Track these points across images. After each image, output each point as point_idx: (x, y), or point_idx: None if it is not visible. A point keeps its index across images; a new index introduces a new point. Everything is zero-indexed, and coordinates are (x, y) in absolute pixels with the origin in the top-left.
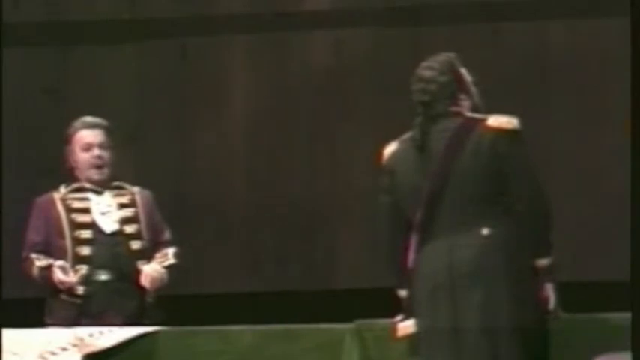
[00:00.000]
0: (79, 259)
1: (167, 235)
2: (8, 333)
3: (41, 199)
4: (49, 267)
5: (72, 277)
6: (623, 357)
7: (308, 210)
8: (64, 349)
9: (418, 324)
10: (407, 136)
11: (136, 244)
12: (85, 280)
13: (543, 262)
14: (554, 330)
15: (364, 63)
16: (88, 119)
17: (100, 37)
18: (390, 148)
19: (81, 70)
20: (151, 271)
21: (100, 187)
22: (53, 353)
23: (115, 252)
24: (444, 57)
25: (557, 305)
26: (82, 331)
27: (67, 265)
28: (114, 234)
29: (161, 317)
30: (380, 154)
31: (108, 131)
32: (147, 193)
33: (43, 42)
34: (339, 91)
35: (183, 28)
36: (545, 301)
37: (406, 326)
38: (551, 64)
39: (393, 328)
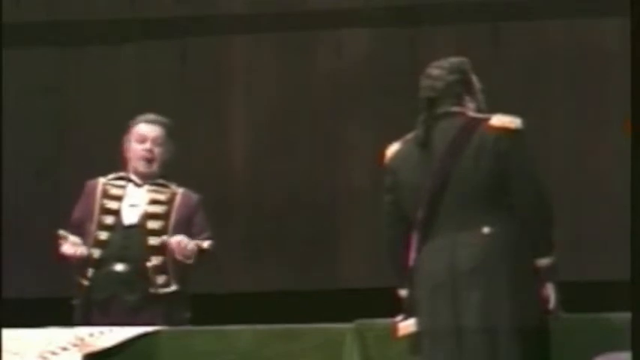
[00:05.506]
0: (96, 243)
1: (206, 236)
2: (8, 333)
3: (90, 182)
4: (63, 237)
5: (75, 250)
6: (623, 357)
7: (308, 210)
8: (64, 349)
9: (419, 323)
10: (409, 136)
11: (154, 240)
12: (97, 265)
13: (544, 261)
14: (554, 330)
15: (364, 63)
16: (151, 115)
17: (100, 37)
18: (393, 148)
19: (81, 70)
20: (181, 238)
21: (141, 181)
22: (53, 353)
23: (127, 244)
24: (455, 59)
25: (557, 305)
26: (82, 331)
27: (80, 242)
28: (131, 227)
29: (167, 311)
30: (381, 154)
31: (167, 129)
32: (193, 195)
33: (43, 42)
34: (340, 90)
35: (184, 28)
36: (546, 300)
37: (406, 326)
38: (551, 64)
39: (394, 328)
